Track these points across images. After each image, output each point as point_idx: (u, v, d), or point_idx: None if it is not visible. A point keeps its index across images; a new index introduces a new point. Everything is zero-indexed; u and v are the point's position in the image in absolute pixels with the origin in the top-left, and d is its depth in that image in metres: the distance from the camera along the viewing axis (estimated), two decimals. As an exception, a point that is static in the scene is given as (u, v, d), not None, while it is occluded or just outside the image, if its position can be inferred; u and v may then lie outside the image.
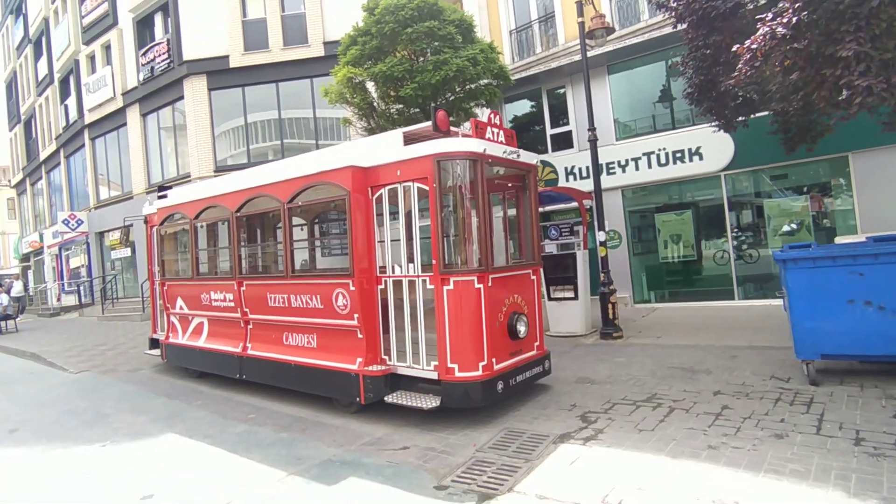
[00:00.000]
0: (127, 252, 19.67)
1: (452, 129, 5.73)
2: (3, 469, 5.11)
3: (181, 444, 5.43)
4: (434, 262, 5.30)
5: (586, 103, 9.05)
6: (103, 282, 19.41)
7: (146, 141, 18.87)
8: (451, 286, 5.24)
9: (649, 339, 8.43)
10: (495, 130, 5.98)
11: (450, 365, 5.24)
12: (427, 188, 5.34)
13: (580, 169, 13.01)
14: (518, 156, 5.96)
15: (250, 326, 7.22)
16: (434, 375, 5.33)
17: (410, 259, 5.59)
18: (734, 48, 4.81)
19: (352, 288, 5.70)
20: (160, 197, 9.09)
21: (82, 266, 22.46)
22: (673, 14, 6.78)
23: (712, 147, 11.21)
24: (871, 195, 9.89)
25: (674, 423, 4.81)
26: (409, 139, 5.81)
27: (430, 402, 5.25)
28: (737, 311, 10.38)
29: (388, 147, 5.80)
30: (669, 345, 7.91)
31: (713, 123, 8.95)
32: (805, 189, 10.91)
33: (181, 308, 8.40)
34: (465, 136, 5.56)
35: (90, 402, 7.39)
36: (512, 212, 6.72)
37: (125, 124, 19.43)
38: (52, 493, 4.46)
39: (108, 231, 20.31)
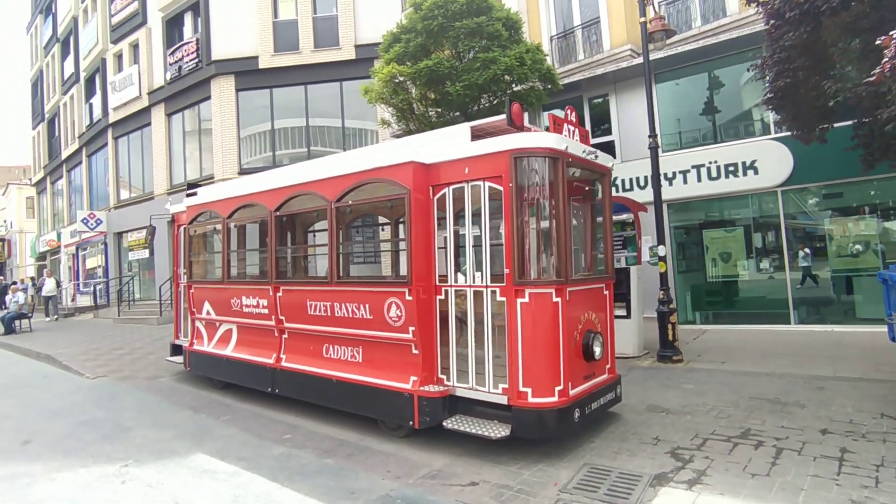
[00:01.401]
0: (145, 253, 19.27)
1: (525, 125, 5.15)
2: (13, 490, 4.52)
3: (213, 467, 4.81)
4: (507, 271, 4.69)
5: (647, 107, 8.45)
6: (120, 283, 19.00)
7: (170, 141, 18.56)
8: (527, 299, 4.62)
9: (713, 364, 7.72)
10: (571, 128, 5.40)
11: (522, 389, 4.60)
12: (500, 188, 4.75)
13: (623, 181, 12.38)
14: (596, 157, 5.36)
15: (285, 336, 6.63)
16: (503, 400, 4.69)
17: (477, 267, 4.99)
18: (878, 41, 4.21)
19: (408, 297, 5.09)
20: (189, 195, 8.59)
21: (99, 267, 22.11)
22: (767, 8, 6.18)
23: (769, 161, 10.55)
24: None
25: (789, 467, 4.12)
26: (478, 134, 5.26)
27: (498, 430, 4.60)
28: (796, 336, 9.63)
29: (452, 142, 5.24)
30: (739, 371, 7.21)
31: (788, 133, 8.32)
32: (868, 209, 10.20)
33: (208, 313, 7.83)
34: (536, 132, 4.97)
35: (109, 413, 6.81)
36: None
37: (149, 124, 19.15)
38: (70, 523, 3.86)
39: (128, 231, 19.95)
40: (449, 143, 5.28)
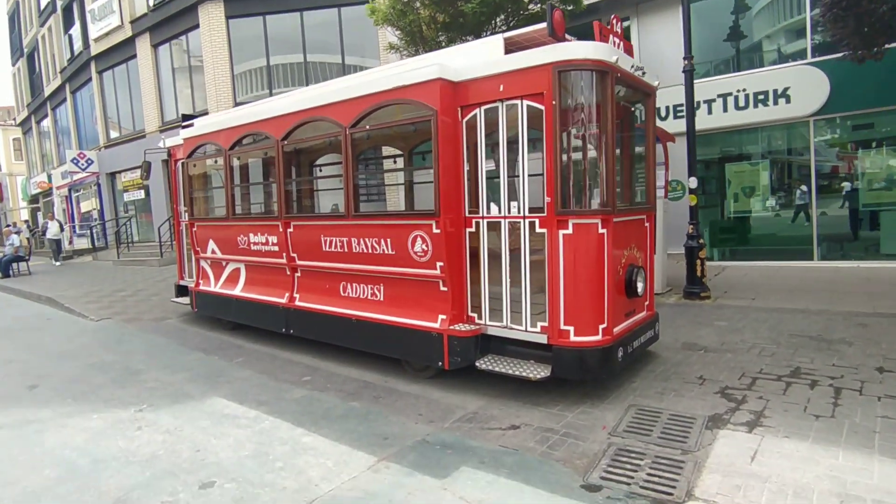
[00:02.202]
0: (140, 194, 18.66)
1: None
2: (22, 437, 4.25)
3: (232, 411, 4.54)
4: (548, 199, 4.23)
5: (683, 24, 7.69)
6: (117, 225, 18.49)
7: (158, 74, 17.49)
8: (570, 230, 4.18)
9: (742, 301, 7.43)
10: (616, 41, 4.78)
11: (563, 327, 4.26)
12: (541, 107, 4.20)
13: (644, 112, 11.66)
14: (644, 73, 4.78)
15: (298, 274, 6.24)
16: (542, 339, 4.35)
17: (512, 197, 4.52)
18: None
19: (435, 230, 4.66)
20: (185, 126, 7.97)
21: (94, 209, 21.50)
22: None
23: (803, 88, 9.85)
24: None
25: (854, 408, 3.84)
26: (511, 47, 4.64)
27: (537, 371, 4.30)
28: (821, 272, 9.33)
29: (483, 57, 4.64)
30: (771, 308, 6.91)
31: (828, 57, 7.63)
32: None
33: (213, 252, 7.42)
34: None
35: (117, 356, 6.53)
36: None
37: (135, 56, 17.99)
38: (83, 474, 3.59)
39: (121, 172, 19.23)
40: (479, 57, 4.68)
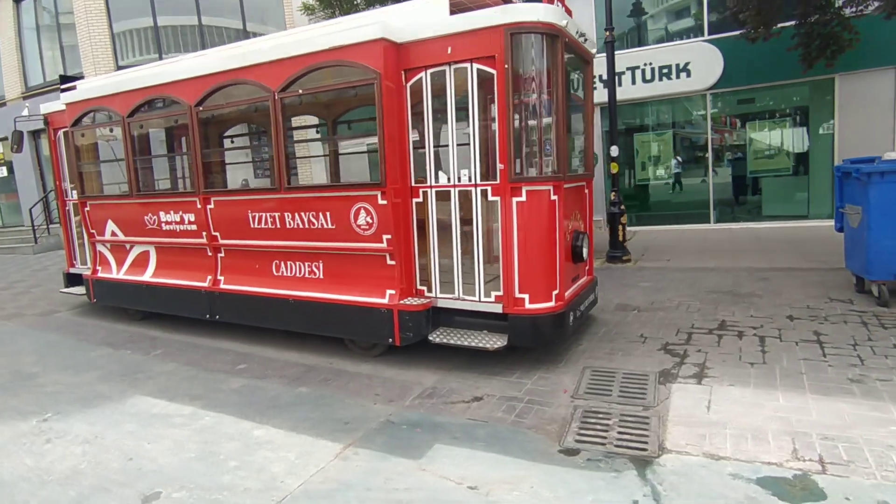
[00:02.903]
0: (2, 171, 16.13)
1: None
2: None
3: (161, 409, 4.06)
4: (501, 167, 4.13)
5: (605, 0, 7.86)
6: (-27, 209, 15.90)
7: (20, 34, 14.99)
8: (524, 197, 4.13)
9: (659, 263, 7.95)
10: (558, 4, 4.72)
11: (518, 295, 4.24)
12: (492, 71, 4.06)
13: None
14: (585, 40, 4.79)
15: (221, 255, 5.68)
16: (497, 308, 4.31)
17: (462, 165, 4.37)
18: None
19: (380, 202, 4.41)
20: (65, 90, 6.88)
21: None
22: None
23: (701, 63, 10.59)
24: (851, 119, 9.83)
25: (779, 354, 4.22)
26: (455, 8, 4.43)
27: (493, 340, 4.26)
28: (718, 233, 10.24)
29: (425, 17, 4.38)
30: (686, 268, 7.45)
31: (742, 31, 8.22)
32: (788, 111, 10.72)
33: (114, 234, 6.55)
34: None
35: (4, 358, 5.59)
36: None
37: (-15, 9, 15.26)
38: (-12, 497, 3.02)
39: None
40: (421, 17, 4.41)
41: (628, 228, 11.55)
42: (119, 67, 13.66)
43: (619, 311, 5.77)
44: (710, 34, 10.67)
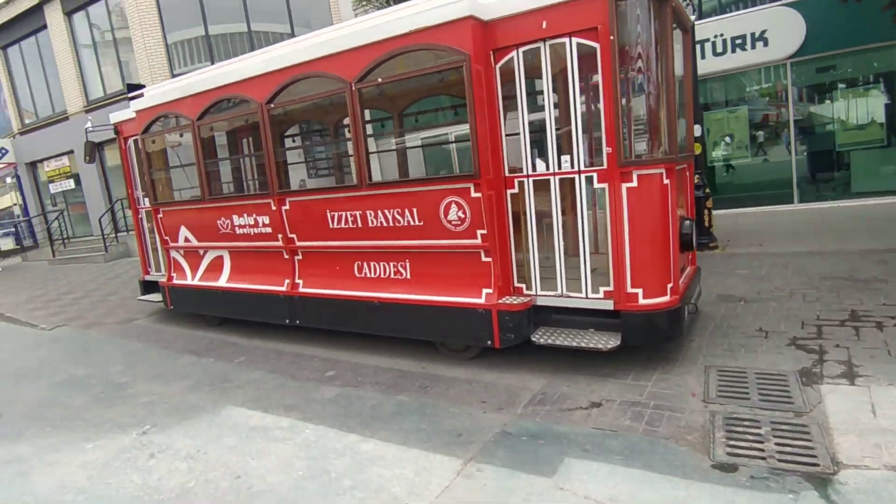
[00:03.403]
0: (70, 183, 16.77)
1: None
2: (2, 483, 3.46)
3: (258, 422, 3.90)
4: (608, 150, 3.75)
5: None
6: (46, 221, 16.56)
7: (76, 46, 15.48)
8: (635, 183, 3.74)
9: (750, 248, 7.34)
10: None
11: (631, 290, 3.86)
12: (595, 45, 3.68)
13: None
14: (688, 4, 4.33)
15: (299, 257, 5.53)
16: (608, 305, 3.94)
17: (563, 151, 4.02)
18: None
19: (473, 195, 4.11)
20: (132, 97, 6.90)
21: (15, 205, 19.22)
22: None
23: (780, 30, 9.75)
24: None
25: (940, 347, 3.69)
26: (549, -24, 4.05)
27: (606, 340, 3.90)
28: (805, 214, 9.46)
29: (514, -10, 4.02)
30: (784, 252, 6.84)
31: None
32: (878, 78, 9.78)
33: (187, 241, 6.52)
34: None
35: (89, 368, 5.64)
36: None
37: (45, 27, 15.81)
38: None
39: (44, 160, 17.16)
40: (508, -9, 4.06)
41: (703, 212, 10.98)
42: (174, 76, 13.90)
43: (723, 302, 5.28)
44: (788, -3, 9.83)
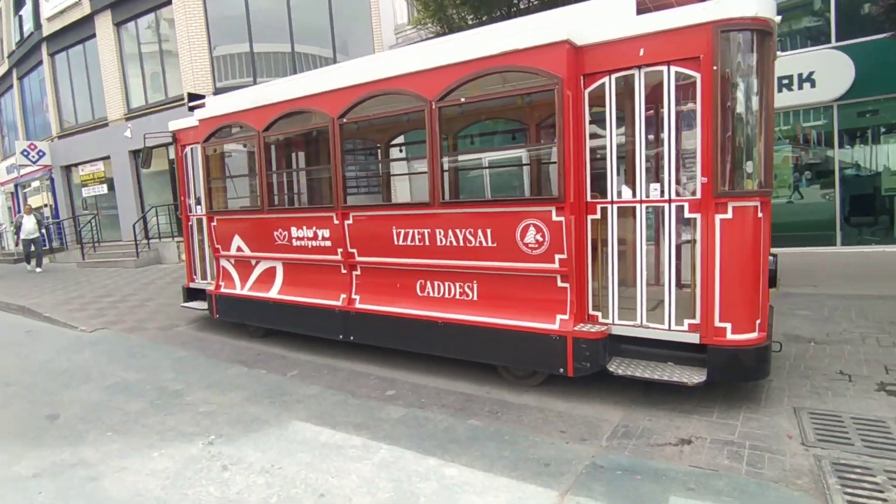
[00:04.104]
0: (103, 188, 16.99)
1: None
2: (73, 488, 3.37)
3: (327, 438, 3.79)
4: (704, 180, 3.70)
5: None
6: (76, 223, 16.74)
7: (122, 56, 15.88)
8: (730, 214, 3.67)
9: (806, 289, 7.19)
10: None
11: (719, 324, 3.75)
12: (695, 74, 3.66)
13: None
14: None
15: (357, 273, 5.48)
16: (693, 338, 3.83)
17: (650, 179, 3.97)
18: None
19: (555, 218, 4.06)
20: (193, 107, 7.00)
21: (46, 206, 19.49)
22: None
23: (828, 71, 9.78)
24: None
25: None
26: (645, 6, 4.07)
27: (689, 375, 3.78)
28: (851, 257, 9.30)
29: (608, 18, 4.04)
30: (842, 294, 6.69)
31: (887, 35, 7.50)
32: (926, 123, 9.73)
33: (239, 250, 6.51)
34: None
35: (139, 373, 5.57)
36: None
37: (94, 35, 16.25)
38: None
39: (79, 164, 17.45)
40: (600, 18, 4.08)
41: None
42: (217, 90, 14.17)
43: (792, 342, 5.13)
44: (837, 41, 9.87)
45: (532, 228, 4.19)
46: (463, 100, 4.44)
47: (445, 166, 4.77)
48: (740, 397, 3.96)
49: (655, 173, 4.54)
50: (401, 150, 7.51)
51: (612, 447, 3.41)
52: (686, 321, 3.89)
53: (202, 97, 7.75)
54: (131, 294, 9.98)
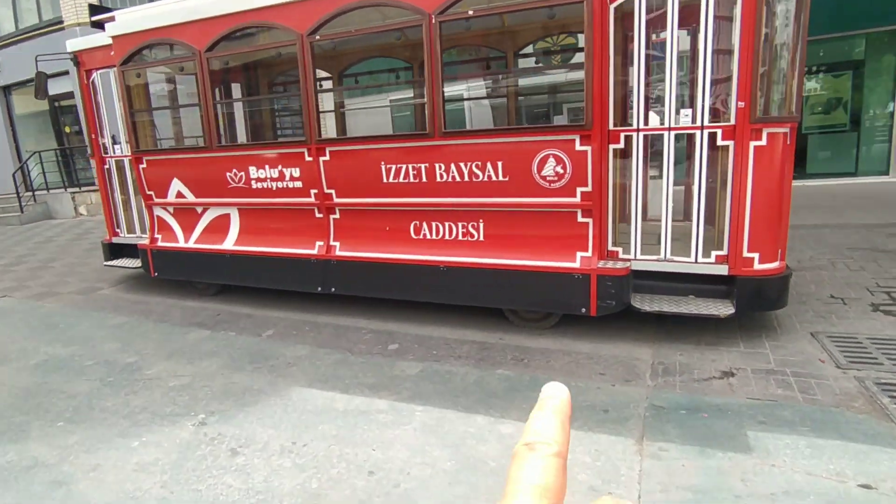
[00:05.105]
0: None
1: None
2: (38, 498, 2.66)
3: (347, 404, 3.32)
4: (741, 104, 3.49)
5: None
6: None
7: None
8: (764, 141, 3.52)
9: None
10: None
11: (747, 254, 3.67)
12: (736, -15, 3.36)
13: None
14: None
15: (335, 216, 4.84)
16: (720, 270, 3.73)
17: (684, 103, 3.71)
18: None
19: (579, 147, 3.72)
20: (96, 23, 5.70)
21: None
22: None
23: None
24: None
25: None
26: None
27: (717, 307, 3.71)
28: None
29: (635, -82, 3.59)
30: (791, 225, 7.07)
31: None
32: (846, 64, 10.31)
33: (180, 196, 5.54)
34: None
35: (71, 347, 4.64)
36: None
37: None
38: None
39: (18, 84, 14.17)
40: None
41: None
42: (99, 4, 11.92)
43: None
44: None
45: (552, 159, 3.82)
46: (471, 12, 3.84)
47: (446, 94, 4.18)
48: (756, 326, 3.99)
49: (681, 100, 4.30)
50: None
51: (661, 386, 3.27)
52: (713, 253, 3.78)
53: (109, 9, 6.34)
54: (27, 255, 8.43)
